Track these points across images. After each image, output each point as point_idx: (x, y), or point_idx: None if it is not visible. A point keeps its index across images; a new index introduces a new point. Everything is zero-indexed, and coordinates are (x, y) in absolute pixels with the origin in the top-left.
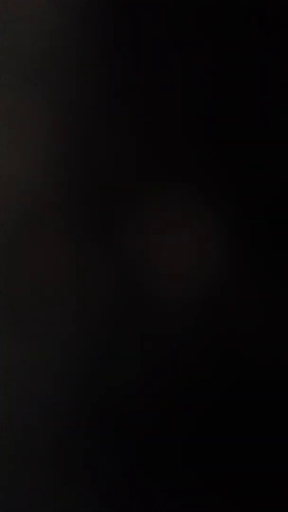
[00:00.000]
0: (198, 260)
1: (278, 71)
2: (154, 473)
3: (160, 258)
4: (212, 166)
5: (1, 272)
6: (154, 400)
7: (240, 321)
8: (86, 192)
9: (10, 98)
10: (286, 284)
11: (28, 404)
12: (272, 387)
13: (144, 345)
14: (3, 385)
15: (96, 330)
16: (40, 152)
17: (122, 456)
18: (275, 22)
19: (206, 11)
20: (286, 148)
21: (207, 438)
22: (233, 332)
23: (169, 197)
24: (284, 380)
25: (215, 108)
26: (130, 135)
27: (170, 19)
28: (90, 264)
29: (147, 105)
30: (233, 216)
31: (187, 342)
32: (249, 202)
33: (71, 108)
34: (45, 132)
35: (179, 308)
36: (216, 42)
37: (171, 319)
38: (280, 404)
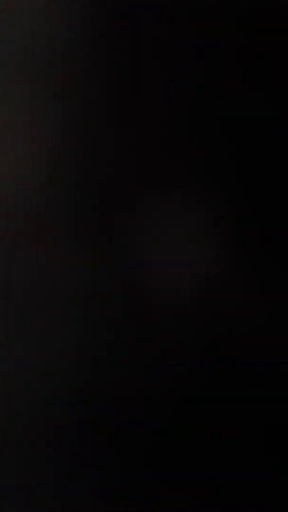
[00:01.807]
0: (197, 262)
1: (279, 75)
2: (154, 476)
3: (159, 259)
4: (211, 167)
5: (0, 272)
6: (153, 400)
7: (239, 322)
8: (85, 194)
9: (10, 99)
10: (286, 285)
11: (28, 404)
12: (272, 388)
13: (143, 346)
14: (3, 385)
15: (95, 329)
16: (40, 152)
17: (122, 457)
18: (275, 23)
19: (206, 13)
20: (286, 149)
21: (206, 438)
22: (233, 333)
23: (169, 198)
24: (283, 381)
25: (215, 109)
26: (130, 136)
27: (171, 20)
28: (90, 264)
29: (148, 105)
30: (233, 218)
31: (187, 342)
32: (248, 203)
33: (71, 110)
34: (45, 133)
35: (178, 308)
36: (217, 45)
37: (170, 319)
38: (279, 403)
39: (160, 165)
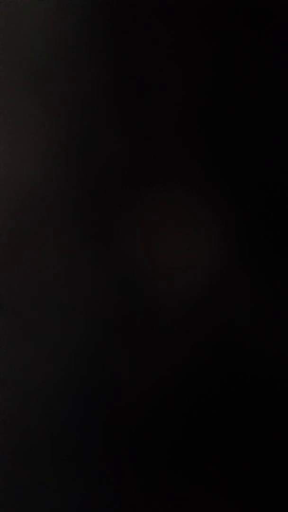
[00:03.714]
0: (197, 259)
1: (278, 73)
2: (152, 470)
3: (159, 258)
4: (211, 167)
5: (1, 272)
6: (152, 397)
7: (239, 318)
8: (85, 193)
9: (10, 99)
10: (285, 281)
11: (26, 401)
12: (271, 381)
13: (143, 344)
14: (2, 382)
15: (95, 327)
16: (40, 153)
17: (120, 452)
18: (275, 22)
19: (206, 13)
20: (286, 148)
21: (204, 433)
22: (232, 329)
23: (169, 198)
24: (283, 374)
25: (215, 109)
26: (130, 136)
27: (171, 21)
28: (89, 263)
29: (148, 106)
30: (233, 217)
31: (187, 341)
32: (248, 202)
33: (71, 111)
34: (44, 133)
35: (177, 308)
36: (216, 43)
37: (169, 320)
38: (279, 398)
39: (163, 165)
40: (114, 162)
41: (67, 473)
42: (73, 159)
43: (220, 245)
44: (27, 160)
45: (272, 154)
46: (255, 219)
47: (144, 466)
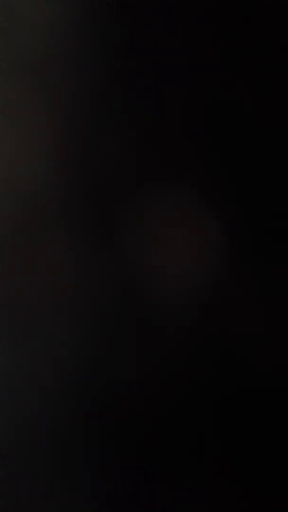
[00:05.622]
0: (197, 261)
1: (280, 71)
2: (153, 472)
3: (159, 258)
4: (212, 167)
5: (1, 272)
6: (153, 400)
7: (239, 322)
8: (86, 192)
9: (10, 99)
10: (286, 286)
11: (27, 402)
12: (271, 389)
13: (143, 346)
14: (3, 383)
15: (95, 329)
16: (40, 152)
17: (121, 454)
18: (276, 21)
19: (208, 11)
20: (287, 148)
21: (206, 437)
22: (232, 333)
23: (169, 197)
24: (283, 382)
25: (216, 108)
26: (130, 135)
27: (173, 19)
28: (90, 263)
29: (148, 104)
30: (233, 218)
31: (186, 342)
32: (249, 203)
33: (71, 109)
34: (44, 132)
35: (178, 308)
36: (216, 40)
37: (170, 320)
38: (278, 405)
39: (162, 166)
40: (115, 162)
41: (69, 477)
42: (73, 159)
43: (222, 249)
44: (27, 160)
45: (272, 154)
46: (258, 224)
47: (148, 470)
